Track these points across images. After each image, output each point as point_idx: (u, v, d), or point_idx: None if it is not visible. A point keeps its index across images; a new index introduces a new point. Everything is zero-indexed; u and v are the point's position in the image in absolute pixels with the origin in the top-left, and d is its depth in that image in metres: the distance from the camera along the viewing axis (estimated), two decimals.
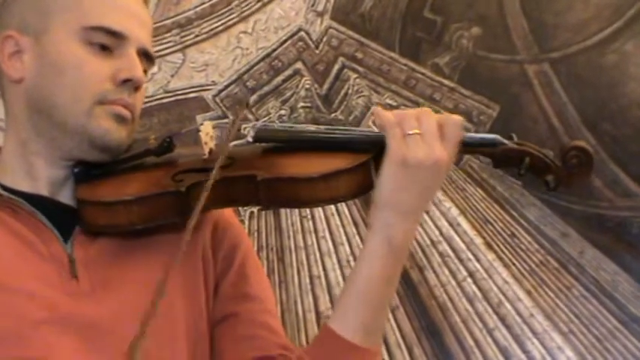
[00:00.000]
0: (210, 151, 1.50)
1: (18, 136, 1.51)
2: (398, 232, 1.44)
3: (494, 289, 2.39)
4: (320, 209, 2.57)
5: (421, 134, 1.41)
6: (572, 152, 1.47)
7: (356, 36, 2.66)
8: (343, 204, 2.56)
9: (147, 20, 1.57)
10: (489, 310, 2.38)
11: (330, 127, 1.61)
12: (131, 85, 1.49)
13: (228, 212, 1.63)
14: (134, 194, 1.44)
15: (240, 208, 2.62)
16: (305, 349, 1.52)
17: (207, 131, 1.50)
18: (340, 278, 2.54)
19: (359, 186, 1.45)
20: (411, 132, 1.42)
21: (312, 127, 1.56)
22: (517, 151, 1.49)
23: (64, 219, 1.47)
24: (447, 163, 1.43)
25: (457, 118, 1.45)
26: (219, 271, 1.56)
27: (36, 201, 1.47)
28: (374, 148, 1.45)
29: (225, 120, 2.68)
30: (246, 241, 1.64)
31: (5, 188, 1.49)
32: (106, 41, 1.48)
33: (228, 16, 2.78)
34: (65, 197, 1.51)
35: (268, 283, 1.67)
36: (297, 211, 2.61)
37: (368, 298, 1.45)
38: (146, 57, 1.54)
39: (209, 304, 1.54)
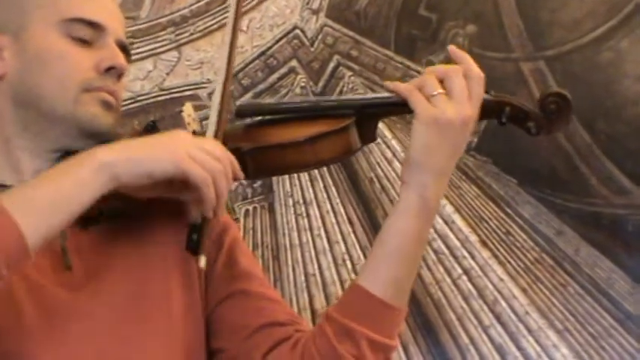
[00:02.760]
0: (194, 132, 1.52)
1: (1, 132, 1.52)
2: (432, 192, 1.46)
3: (490, 286, 2.39)
4: (315, 207, 2.57)
5: (447, 93, 1.43)
6: (550, 98, 1.50)
7: (351, 34, 2.66)
8: (339, 202, 2.56)
9: (120, 14, 1.61)
10: (484, 307, 2.39)
11: (310, 98, 1.65)
12: (114, 72, 1.52)
13: None
14: None
15: (235, 206, 2.62)
16: (332, 307, 1.52)
17: (189, 112, 1.53)
18: (335, 276, 2.54)
19: (344, 148, 1.47)
20: (434, 93, 1.44)
21: (293, 100, 1.59)
22: (496, 102, 1.51)
23: None
24: (474, 120, 1.46)
25: (481, 74, 1.47)
26: (210, 256, 1.57)
27: None
28: (356, 111, 1.47)
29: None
30: (232, 226, 1.66)
31: None
32: (86, 32, 1.52)
33: (223, 14, 2.78)
34: None
35: (259, 264, 1.70)
36: (292, 209, 2.61)
37: (401, 254, 1.47)
38: (124, 50, 1.56)
39: (202, 290, 1.55)
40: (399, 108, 1.49)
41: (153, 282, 1.47)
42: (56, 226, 1.30)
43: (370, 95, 1.53)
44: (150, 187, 1.36)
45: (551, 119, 1.50)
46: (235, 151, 1.44)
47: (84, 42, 1.52)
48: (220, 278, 1.56)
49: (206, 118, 1.50)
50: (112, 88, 1.52)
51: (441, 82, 1.45)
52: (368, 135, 1.52)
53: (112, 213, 1.47)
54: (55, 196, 1.30)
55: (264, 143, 1.46)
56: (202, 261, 1.36)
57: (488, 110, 1.50)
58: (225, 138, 1.45)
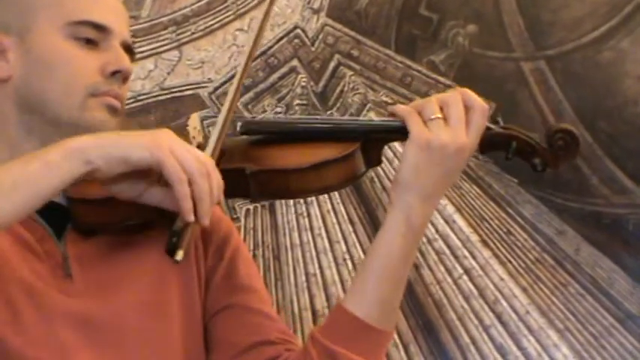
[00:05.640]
0: (198, 145, 1.51)
1: (6, 136, 1.51)
2: (418, 213, 1.45)
3: (490, 286, 2.39)
4: (316, 206, 2.57)
5: (445, 119, 1.43)
6: (558, 135, 1.49)
7: (352, 33, 2.66)
8: (340, 202, 2.56)
9: (126, 15, 1.59)
10: (485, 307, 2.39)
11: (317, 117, 1.63)
12: (120, 76, 1.51)
13: (216, 207, 1.64)
14: None
15: (236, 206, 2.62)
16: (316, 328, 1.51)
17: (194, 125, 1.52)
18: (336, 276, 2.54)
19: (349, 174, 1.46)
20: (432, 117, 1.44)
21: (299, 118, 1.57)
22: (503, 135, 1.49)
23: (56, 218, 1.47)
24: (470, 150, 1.45)
25: (485, 106, 1.46)
26: (210, 266, 1.57)
27: None
28: (362, 137, 1.47)
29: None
30: (235, 235, 1.65)
31: None
32: (92, 35, 1.50)
33: (224, 14, 2.78)
34: (56, 196, 1.51)
35: (260, 275, 1.69)
36: (293, 208, 2.61)
37: (386, 276, 1.46)
38: (128, 51, 1.55)
39: (201, 298, 1.55)
40: (406, 135, 1.49)
41: (151, 292, 1.47)
42: (21, 206, 1.27)
43: (377, 120, 1.51)
44: (127, 179, 1.32)
45: (558, 155, 1.48)
46: (239, 172, 1.43)
47: (89, 42, 1.51)
48: (219, 289, 1.55)
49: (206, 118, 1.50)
50: (117, 92, 1.51)
51: (441, 109, 1.45)
52: (373, 159, 1.51)
53: (113, 226, 1.46)
54: (21, 176, 1.27)
55: (268, 166, 1.44)
56: (179, 254, 1.29)
57: (494, 143, 1.49)
58: (229, 156, 1.43)
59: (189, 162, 1.30)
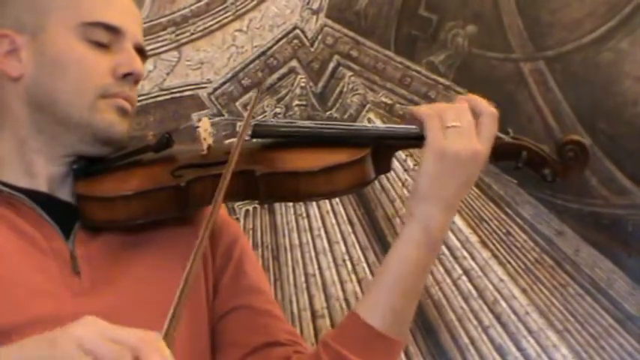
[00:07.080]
0: (209, 147, 1.51)
1: (16, 134, 1.52)
2: (436, 223, 1.45)
3: (490, 287, 2.39)
4: (315, 207, 2.57)
5: (460, 127, 1.42)
6: (568, 146, 1.50)
7: (351, 34, 2.66)
8: (339, 203, 2.56)
9: (139, 17, 1.60)
10: (485, 308, 2.38)
11: (328, 122, 1.64)
12: (131, 78, 1.52)
13: (223, 210, 1.64)
14: (134, 189, 1.46)
15: (235, 207, 2.62)
16: (328, 333, 1.52)
17: (206, 127, 1.52)
18: (335, 277, 2.54)
19: (358, 180, 1.46)
20: (451, 124, 1.43)
21: (310, 123, 1.58)
22: (514, 145, 1.50)
23: (64, 215, 1.48)
24: (484, 156, 1.45)
25: (493, 111, 1.46)
26: (218, 267, 1.57)
27: (35, 197, 1.48)
28: (372, 143, 1.47)
29: (220, 118, 2.68)
30: (242, 237, 1.66)
31: (3, 184, 1.49)
32: (105, 37, 1.51)
33: (223, 15, 2.78)
34: (64, 194, 1.52)
35: (265, 276, 1.69)
36: (292, 209, 2.61)
37: (401, 286, 1.46)
38: (140, 53, 1.56)
39: (209, 300, 1.55)
40: (417, 141, 1.48)
41: (157, 291, 1.46)
42: None
43: (388, 126, 1.51)
44: None
45: (568, 166, 1.50)
46: (249, 174, 1.44)
47: (102, 46, 1.51)
48: (227, 290, 1.56)
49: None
50: (128, 94, 1.52)
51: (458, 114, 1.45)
52: (382, 166, 1.52)
53: (122, 224, 1.47)
54: None
55: (279, 169, 1.44)
56: None
57: (504, 152, 1.50)
58: (240, 158, 1.43)
59: (106, 352, 1.11)
